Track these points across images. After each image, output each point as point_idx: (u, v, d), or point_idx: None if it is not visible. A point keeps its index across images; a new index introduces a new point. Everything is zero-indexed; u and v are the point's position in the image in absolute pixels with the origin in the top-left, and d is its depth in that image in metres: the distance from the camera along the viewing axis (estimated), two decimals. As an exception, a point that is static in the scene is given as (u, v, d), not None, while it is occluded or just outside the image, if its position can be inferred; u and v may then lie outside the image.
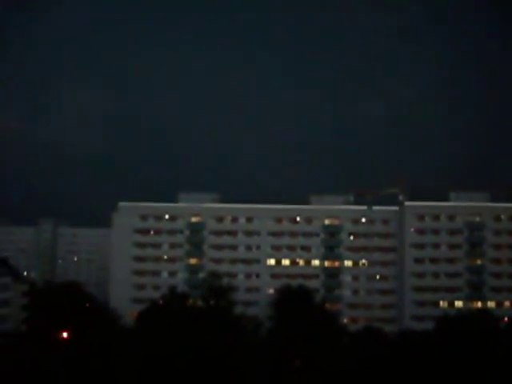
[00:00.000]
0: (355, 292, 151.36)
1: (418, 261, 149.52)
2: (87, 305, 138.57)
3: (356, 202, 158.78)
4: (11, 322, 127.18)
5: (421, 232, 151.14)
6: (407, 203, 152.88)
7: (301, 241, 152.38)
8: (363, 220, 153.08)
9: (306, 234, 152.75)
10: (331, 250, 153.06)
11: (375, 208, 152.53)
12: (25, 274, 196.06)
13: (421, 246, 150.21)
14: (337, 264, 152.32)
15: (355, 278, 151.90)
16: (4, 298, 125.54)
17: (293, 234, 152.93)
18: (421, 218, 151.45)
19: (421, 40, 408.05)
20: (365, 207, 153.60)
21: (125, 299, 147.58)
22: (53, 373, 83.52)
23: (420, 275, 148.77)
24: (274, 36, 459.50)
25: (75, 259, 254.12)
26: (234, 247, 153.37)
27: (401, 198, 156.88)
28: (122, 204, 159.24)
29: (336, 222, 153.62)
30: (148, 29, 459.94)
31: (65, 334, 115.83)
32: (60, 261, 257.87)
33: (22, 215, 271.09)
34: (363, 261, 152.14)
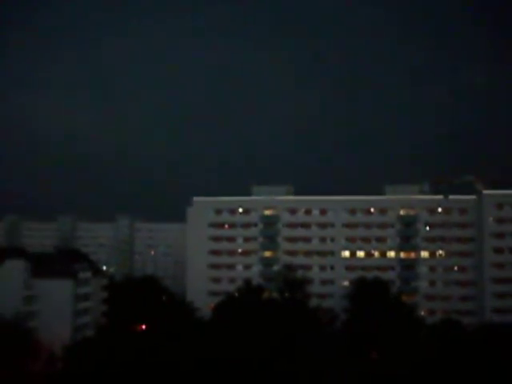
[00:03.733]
0: (432, 283, 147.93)
1: (497, 251, 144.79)
2: (164, 298, 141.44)
3: (431, 192, 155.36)
4: (92, 315, 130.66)
5: (500, 221, 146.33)
6: (486, 192, 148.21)
7: (376, 232, 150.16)
8: (439, 210, 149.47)
9: (380, 225, 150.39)
10: (407, 240, 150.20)
11: (451, 197, 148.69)
12: (104, 268, 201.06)
13: (500, 236, 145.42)
14: (413, 255, 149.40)
15: (432, 269, 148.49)
16: (85, 292, 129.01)
17: (367, 226, 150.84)
18: (500, 206, 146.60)
19: None
20: (441, 197, 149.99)
21: (201, 292, 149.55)
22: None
23: (500, 266, 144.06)
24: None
25: (152, 254, 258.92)
26: (308, 239, 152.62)
27: (478, 186, 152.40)
28: (196, 199, 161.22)
29: (411, 212, 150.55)
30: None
31: (143, 327, 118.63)
32: (137, 256, 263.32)
33: (101, 212, 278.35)
34: (440, 251, 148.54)
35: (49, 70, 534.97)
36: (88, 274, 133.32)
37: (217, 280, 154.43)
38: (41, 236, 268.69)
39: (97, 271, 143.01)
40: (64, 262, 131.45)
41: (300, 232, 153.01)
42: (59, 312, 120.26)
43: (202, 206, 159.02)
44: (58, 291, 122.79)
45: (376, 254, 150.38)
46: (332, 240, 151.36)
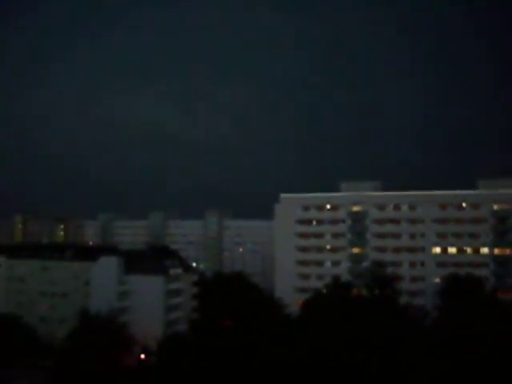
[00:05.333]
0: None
1: None
2: (253, 294, 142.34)
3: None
4: (183, 310, 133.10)
5: None
6: None
7: (468, 227, 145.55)
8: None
9: (473, 221, 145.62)
10: (502, 236, 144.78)
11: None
12: (194, 265, 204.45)
13: None
14: (508, 251, 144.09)
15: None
16: (176, 288, 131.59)
17: (459, 221, 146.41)
18: None
19: None
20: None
21: (289, 288, 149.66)
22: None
23: None
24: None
25: (240, 250, 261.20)
26: (397, 235, 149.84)
27: None
28: (283, 195, 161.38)
29: (506, 206, 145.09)
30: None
31: (232, 322, 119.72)
32: (226, 252, 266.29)
33: (191, 209, 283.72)
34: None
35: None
36: (178, 271, 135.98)
37: (305, 276, 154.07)
38: (132, 233, 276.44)
39: (187, 268, 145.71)
40: (155, 258, 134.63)
41: (389, 228, 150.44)
42: (151, 307, 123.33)
43: (290, 202, 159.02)
44: (149, 287, 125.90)
45: (468, 250, 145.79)
46: (422, 236, 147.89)
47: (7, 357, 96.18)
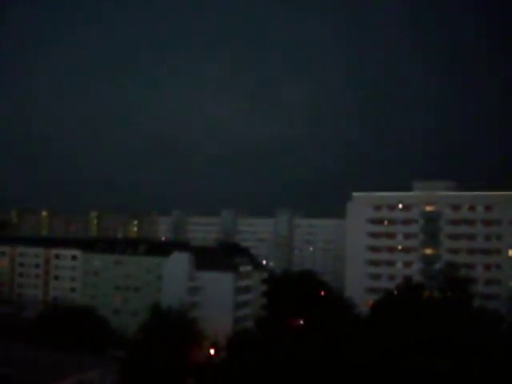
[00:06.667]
0: None
1: None
2: (322, 293, 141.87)
3: None
4: (252, 307, 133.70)
5: None
6: None
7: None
8: None
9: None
10: None
11: None
12: (264, 262, 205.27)
13: None
14: None
15: None
16: (245, 285, 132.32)
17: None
18: None
19: None
20: None
21: (359, 288, 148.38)
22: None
23: None
24: None
25: (311, 249, 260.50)
26: (471, 237, 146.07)
27: None
28: (355, 194, 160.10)
29: None
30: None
31: (301, 321, 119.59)
32: (296, 251, 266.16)
33: (262, 207, 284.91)
34: None
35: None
36: (248, 268, 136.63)
37: (376, 277, 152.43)
38: (204, 230, 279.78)
39: (257, 265, 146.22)
40: (226, 255, 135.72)
41: (463, 229, 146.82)
42: (221, 303, 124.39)
43: (361, 201, 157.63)
44: (219, 283, 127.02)
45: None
46: (498, 238, 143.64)
47: (83, 347, 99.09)
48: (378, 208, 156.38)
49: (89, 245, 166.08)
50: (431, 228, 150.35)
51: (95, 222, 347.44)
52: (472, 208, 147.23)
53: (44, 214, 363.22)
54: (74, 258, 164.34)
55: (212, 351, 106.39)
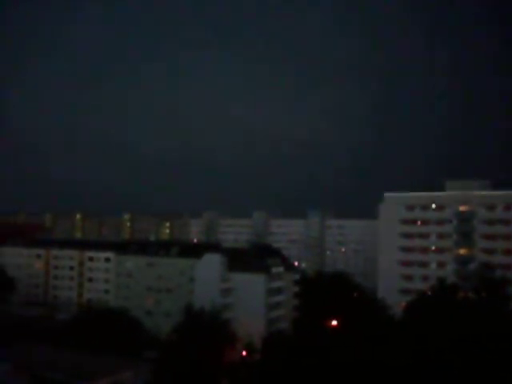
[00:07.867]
0: None
1: None
2: (355, 294, 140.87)
3: None
4: (284, 308, 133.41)
5: None
6: None
7: None
8: None
9: None
10: None
11: None
12: (296, 264, 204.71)
13: None
14: None
15: None
16: (277, 286, 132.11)
17: None
18: None
19: None
20: None
21: (392, 290, 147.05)
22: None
23: None
24: None
25: (343, 250, 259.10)
26: (507, 237, 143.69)
27: None
28: (387, 194, 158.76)
29: None
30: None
31: (334, 322, 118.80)
32: (328, 251, 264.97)
33: (294, 208, 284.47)
34: None
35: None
36: (280, 269, 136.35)
37: (408, 278, 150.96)
38: (236, 232, 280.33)
39: (289, 266, 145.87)
40: (258, 256, 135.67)
41: (498, 229, 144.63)
42: (253, 305, 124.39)
43: (394, 202, 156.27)
44: (252, 285, 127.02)
45: None
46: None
47: (116, 347, 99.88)
48: (410, 208, 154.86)
49: (121, 247, 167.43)
50: (465, 228, 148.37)
51: (128, 224, 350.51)
52: (507, 207, 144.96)
53: (78, 217, 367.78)
54: (107, 260, 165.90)
55: (245, 352, 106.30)
